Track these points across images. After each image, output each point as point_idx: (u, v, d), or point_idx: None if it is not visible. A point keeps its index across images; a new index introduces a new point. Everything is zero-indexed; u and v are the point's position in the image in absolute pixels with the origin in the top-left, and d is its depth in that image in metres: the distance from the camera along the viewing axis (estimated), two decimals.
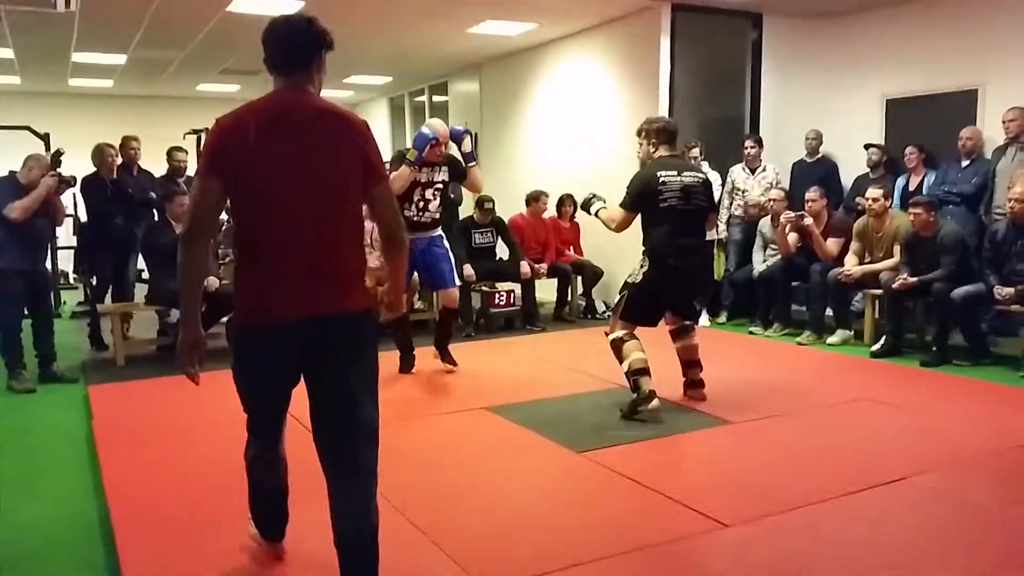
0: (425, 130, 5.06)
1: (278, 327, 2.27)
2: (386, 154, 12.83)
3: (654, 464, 3.67)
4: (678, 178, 4.33)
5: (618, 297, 4.60)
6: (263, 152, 2.24)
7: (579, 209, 5.04)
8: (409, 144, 5.42)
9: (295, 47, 2.41)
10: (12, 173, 5.48)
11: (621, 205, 4.44)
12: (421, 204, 5.18)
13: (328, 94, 10.13)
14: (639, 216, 4.42)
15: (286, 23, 2.42)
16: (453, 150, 5.38)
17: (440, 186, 5.21)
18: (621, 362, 4.42)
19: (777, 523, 3.01)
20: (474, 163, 5.31)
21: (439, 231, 5.38)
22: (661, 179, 4.31)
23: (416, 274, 5.51)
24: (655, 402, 4.26)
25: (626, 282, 4.51)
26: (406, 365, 5.59)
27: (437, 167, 5.18)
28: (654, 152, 4.47)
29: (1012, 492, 3.33)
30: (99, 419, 4.54)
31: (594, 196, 4.77)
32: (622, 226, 4.48)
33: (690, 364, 4.68)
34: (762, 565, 2.70)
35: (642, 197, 4.34)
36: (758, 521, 3.02)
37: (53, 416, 4.84)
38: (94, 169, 6.78)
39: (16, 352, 5.47)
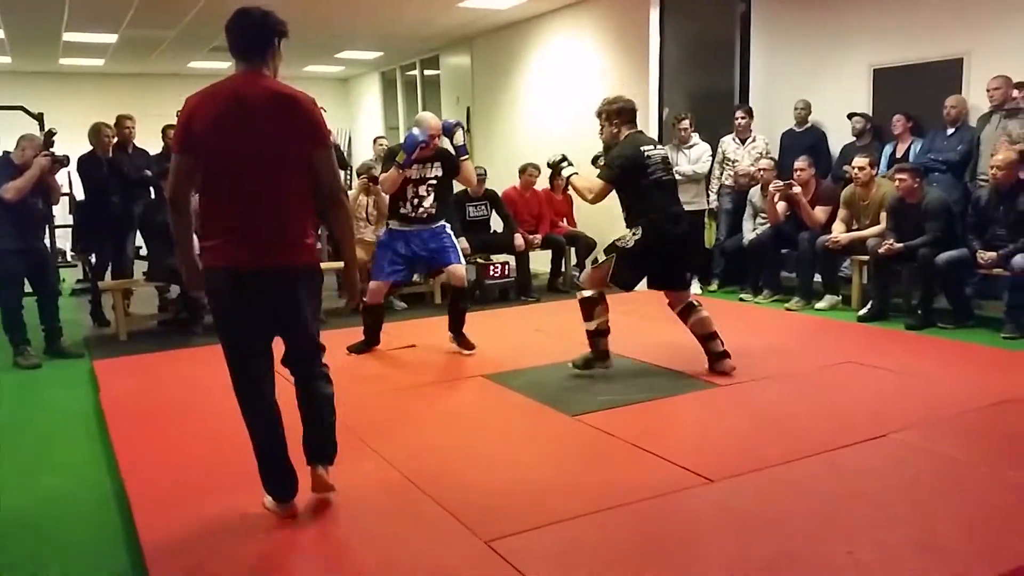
0: (415, 131, 4.97)
1: (240, 276, 2.73)
2: (377, 128, 12.91)
3: (643, 426, 3.81)
4: (656, 151, 4.53)
5: (602, 258, 4.62)
6: (224, 130, 2.68)
7: (547, 167, 5.06)
8: (402, 129, 5.42)
9: (252, 37, 2.78)
10: (6, 154, 5.55)
11: (601, 177, 4.51)
12: (415, 201, 5.15)
13: (319, 70, 10.33)
14: (617, 191, 4.52)
15: (245, 15, 2.77)
16: (446, 143, 5.32)
17: (433, 182, 5.15)
18: (588, 320, 4.59)
19: (761, 477, 3.15)
20: (466, 156, 5.26)
21: (442, 225, 5.29)
22: (646, 154, 4.44)
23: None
24: (608, 362, 4.62)
25: (615, 244, 4.55)
26: (359, 347, 5.36)
27: (429, 163, 5.12)
28: (617, 132, 4.54)
29: (987, 447, 3.48)
30: (106, 392, 4.66)
31: (564, 159, 4.81)
32: (599, 197, 4.54)
33: (708, 337, 4.60)
34: (745, 517, 2.84)
35: (628, 171, 4.42)
36: (742, 476, 3.16)
37: (60, 391, 4.97)
38: (90, 148, 6.85)
39: (19, 329, 5.57)
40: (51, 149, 5.69)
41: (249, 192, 2.72)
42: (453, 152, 5.23)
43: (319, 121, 2.78)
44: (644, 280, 4.84)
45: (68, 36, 9.42)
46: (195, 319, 6.34)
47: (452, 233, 5.34)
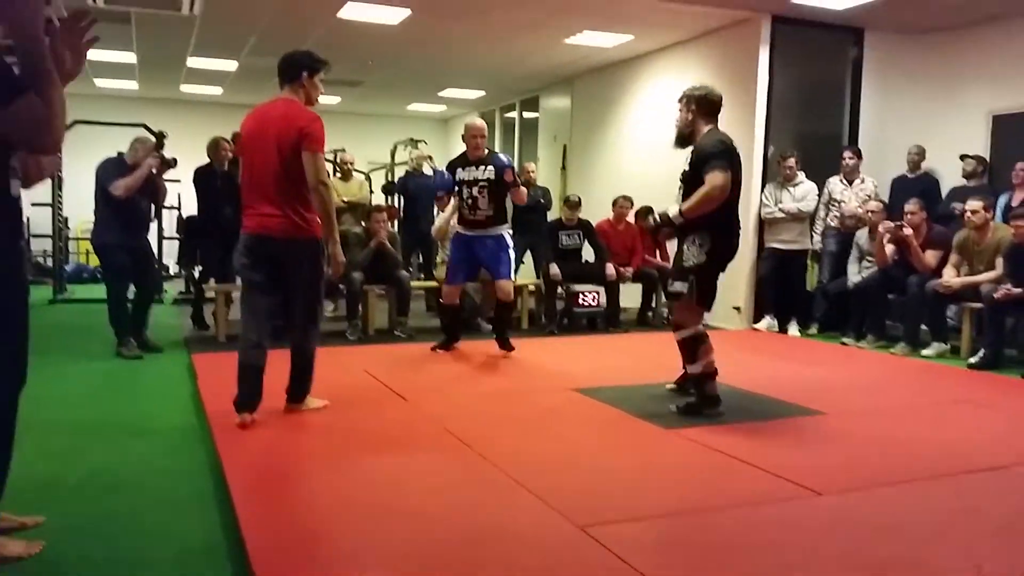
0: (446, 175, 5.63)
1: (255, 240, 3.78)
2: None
3: (744, 442, 3.64)
4: (733, 147, 4.05)
5: (681, 286, 4.08)
6: (249, 137, 3.81)
7: (650, 231, 4.82)
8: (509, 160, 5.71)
9: (283, 69, 3.80)
10: (120, 154, 5.87)
11: (720, 168, 3.89)
12: (470, 202, 5.41)
13: (421, 108, 10.72)
14: (685, 186, 4.09)
15: (287, 54, 3.83)
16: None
17: (484, 183, 5.37)
18: (691, 361, 4.12)
19: (873, 494, 2.97)
20: (518, 185, 5.53)
21: (500, 231, 5.53)
22: (731, 150, 4.00)
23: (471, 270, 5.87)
24: (719, 409, 4.04)
25: (687, 268, 4.05)
26: (442, 345, 5.89)
27: (480, 165, 5.38)
28: (692, 120, 4.11)
29: None
30: (203, 380, 4.77)
31: (655, 213, 4.28)
32: (725, 189, 3.90)
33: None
34: (856, 525, 2.66)
35: (731, 159, 3.96)
36: (853, 492, 2.98)
37: (161, 378, 5.12)
38: (207, 162, 7.16)
39: (124, 321, 5.80)
40: (162, 151, 5.96)
41: (254, 173, 3.75)
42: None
43: (312, 132, 3.64)
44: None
45: (192, 62, 9.97)
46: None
47: (511, 245, 5.59)
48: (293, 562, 2.33)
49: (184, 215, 9.92)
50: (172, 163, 6.07)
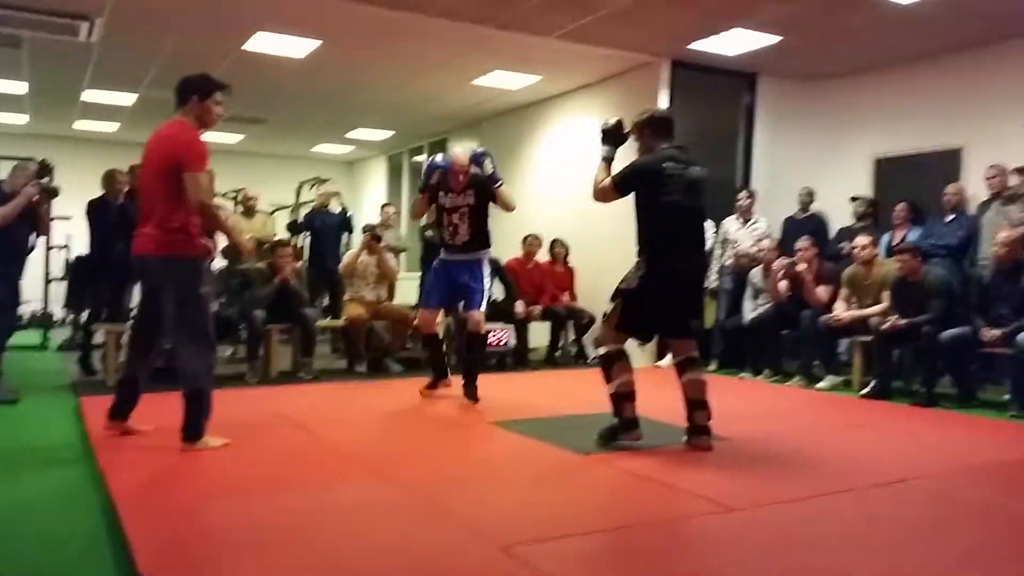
0: (437, 158, 5.39)
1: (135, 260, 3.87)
2: (368, 217, 12.83)
3: (658, 464, 3.69)
4: (683, 171, 3.88)
5: (610, 306, 4.06)
6: (142, 160, 3.87)
7: (601, 129, 4.25)
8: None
9: (177, 92, 3.80)
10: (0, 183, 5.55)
11: (613, 178, 3.97)
12: (451, 229, 5.37)
13: (327, 150, 10.64)
14: (638, 214, 3.97)
15: (183, 77, 3.83)
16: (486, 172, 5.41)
17: (465, 210, 5.32)
18: (608, 380, 3.99)
19: (782, 508, 3.05)
20: (500, 182, 5.32)
21: (479, 256, 5.41)
22: (667, 170, 3.85)
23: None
24: (637, 432, 3.93)
25: (618, 288, 4.02)
26: (431, 386, 5.65)
27: (462, 192, 5.31)
28: (650, 146, 4.01)
29: (1008, 491, 3.38)
30: (91, 421, 4.48)
31: (611, 135, 4.13)
32: (602, 196, 4.03)
33: (696, 405, 3.99)
34: (768, 538, 2.73)
35: (636, 182, 3.91)
36: (764, 507, 3.05)
37: (44, 423, 4.79)
38: (102, 193, 6.87)
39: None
40: (44, 180, 5.66)
41: (144, 197, 3.81)
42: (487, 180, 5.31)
43: (189, 154, 3.64)
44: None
45: (88, 95, 9.60)
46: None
47: (487, 275, 5.47)
48: None
49: (73, 256, 9.47)
50: (54, 192, 5.77)
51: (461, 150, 5.40)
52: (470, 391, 5.32)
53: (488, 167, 5.28)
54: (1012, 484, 3.54)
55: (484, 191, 5.32)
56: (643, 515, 2.92)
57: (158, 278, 3.78)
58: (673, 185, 3.85)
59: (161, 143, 3.74)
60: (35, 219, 5.57)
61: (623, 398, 3.95)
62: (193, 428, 3.82)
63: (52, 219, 5.87)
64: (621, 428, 3.95)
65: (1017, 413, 5.31)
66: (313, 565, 2.40)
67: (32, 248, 5.78)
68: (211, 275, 4.01)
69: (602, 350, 4.10)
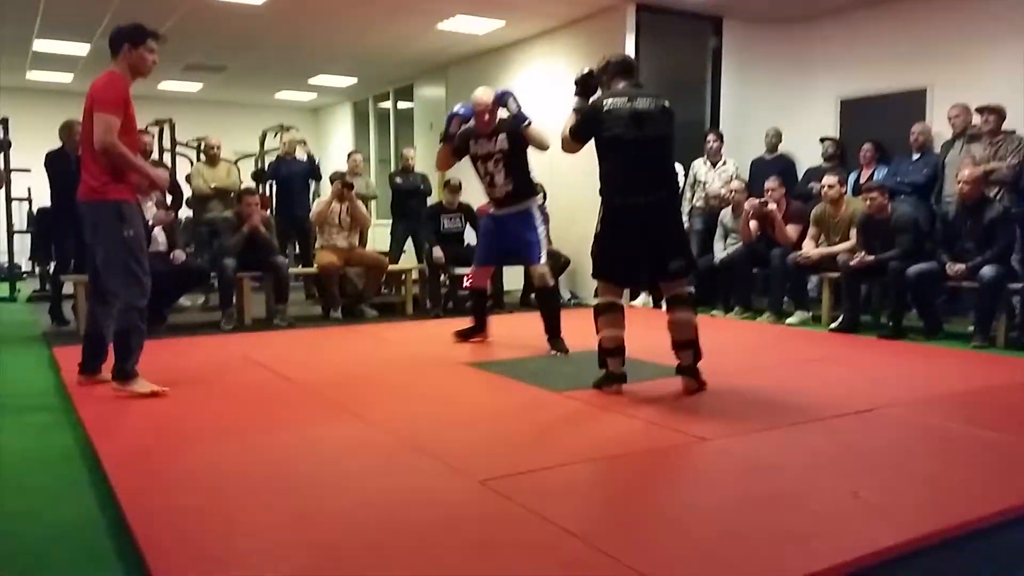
0: (456, 107, 5.10)
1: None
2: (335, 165, 12.65)
3: (632, 400, 3.76)
4: (627, 104, 3.73)
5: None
6: None
7: (574, 81, 4.07)
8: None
9: (110, 42, 3.82)
10: None
11: (570, 130, 3.94)
12: (488, 179, 5.05)
13: (291, 97, 10.49)
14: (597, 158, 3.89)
15: (114, 28, 3.87)
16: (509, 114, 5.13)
17: (499, 156, 4.96)
18: (597, 331, 3.95)
19: (755, 437, 3.13)
20: (527, 122, 4.99)
21: (526, 205, 5.08)
22: (605, 107, 3.77)
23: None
24: (615, 387, 3.85)
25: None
26: (468, 333, 5.50)
27: (492, 137, 4.97)
28: (607, 86, 3.95)
29: (968, 416, 3.50)
30: (66, 369, 4.46)
31: (580, 90, 4.02)
32: (567, 147, 3.98)
33: (681, 345, 3.87)
34: (742, 466, 2.80)
35: (585, 124, 3.86)
36: (736, 436, 3.13)
37: (19, 369, 4.75)
38: (60, 144, 6.71)
39: None
40: None
41: (82, 146, 3.89)
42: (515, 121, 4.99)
43: (99, 94, 3.67)
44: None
45: (39, 45, 9.28)
46: (154, 319, 6.20)
47: (540, 224, 5.13)
48: (181, 534, 2.21)
49: (36, 208, 9.28)
50: (5, 145, 5.64)
51: (482, 91, 5.03)
52: (558, 344, 5.01)
53: (513, 106, 4.97)
54: (971, 411, 3.65)
55: (517, 134, 4.97)
56: (617, 448, 2.99)
57: (87, 223, 3.84)
58: (612, 120, 3.73)
59: (89, 91, 3.76)
60: None
61: (606, 352, 3.89)
62: (118, 367, 3.85)
63: (11, 171, 5.73)
64: (603, 380, 3.90)
65: (980, 344, 5.46)
66: (291, 504, 2.43)
67: None
68: (140, 217, 3.89)
69: (594, 300, 4.07)
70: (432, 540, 2.15)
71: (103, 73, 3.81)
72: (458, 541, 2.15)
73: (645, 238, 3.79)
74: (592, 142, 3.90)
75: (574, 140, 3.93)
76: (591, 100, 3.93)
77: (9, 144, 5.64)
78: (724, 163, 7.70)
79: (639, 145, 3.71)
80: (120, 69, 3.79)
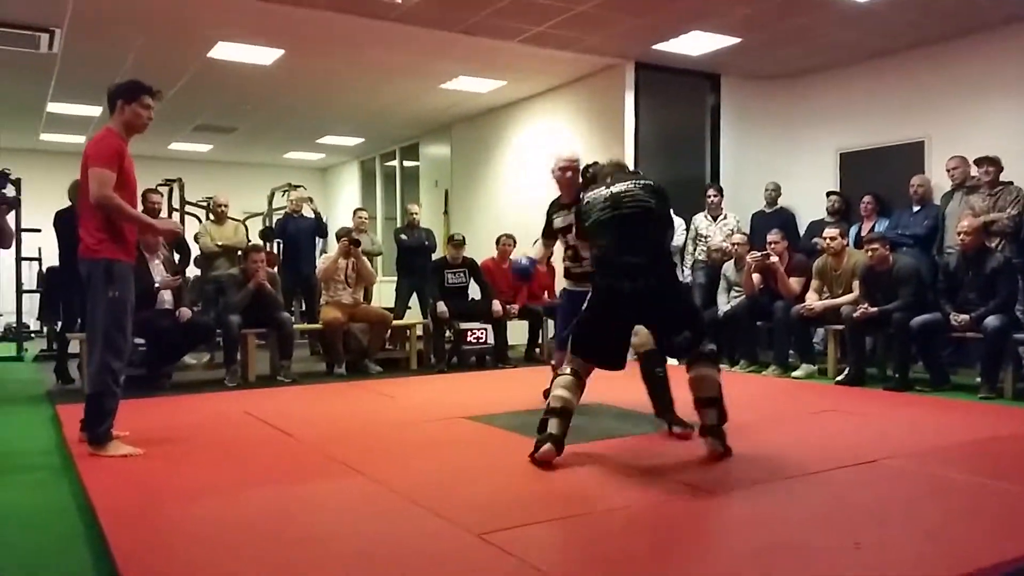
0: (523, 260, 4.90)
1: None
2: (342, 222, 12.66)
3: (632, 453, 3.74)
4: (604, 191, 3.67)
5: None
6: None
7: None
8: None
9: (107, 99, 3.88)
10: None
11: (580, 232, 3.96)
12: (571, 253, 4.63)
13: (300, 157, 10.63)
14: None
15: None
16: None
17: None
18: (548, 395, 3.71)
19: (755, 491, 3.10)
20: None
21: None
22: (585, 201, 3.77)
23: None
24: (546, 447, 3.43)
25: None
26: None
27: (570, 208, 4.46)
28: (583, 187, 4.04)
29: (972, 467, 3.46)
30: (70, 431, 4.45)
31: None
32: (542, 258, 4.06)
33: (704, 403, 3.60)
34: (740, 520, 2.78)
35: (581, 225, 3.89)
36: (736, 491, 3.10)
37: (20, 431, 4.76)
38: (68, 204, 6.82)
39: None
40: (3, 190, 5.60)
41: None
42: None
43: (93, 151, 3.70)
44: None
45: (53, 107, 9.51)
46: (159, 374, 6.24)
47: None
48: None
49: (45, 267, 9.39)
50: (12, 203, 5.70)
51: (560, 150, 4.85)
52: (676, 419, 4.18)
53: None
54: (976, 461, 3.61)
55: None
56: (616, 501, 2.96)
57: (86, 280, 3.80)
58: (590, 208, 3.68)
59: (84, 151, 3.79)
60: None
61: (551, 412, 3.53)
62: (90, 431, 3.79)
63: (22, 231, 5.79)
64: (538, 440, 3.50)
65: (987, 395, 5.42)
66: (289, 557, 2.41)
67: None
68: (131, 280, 3.87)
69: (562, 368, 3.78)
70: None
71: (98, 132, 3.85)
72: None
73: (637, 319, 3.66)
74: None
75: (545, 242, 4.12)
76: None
77: (18, 202, 5.71)
78: (725, 217, 7.77)
79: (620, 223, 3.57)
80: (115, 126, 3.82)
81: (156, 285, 6.18)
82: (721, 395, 3.62)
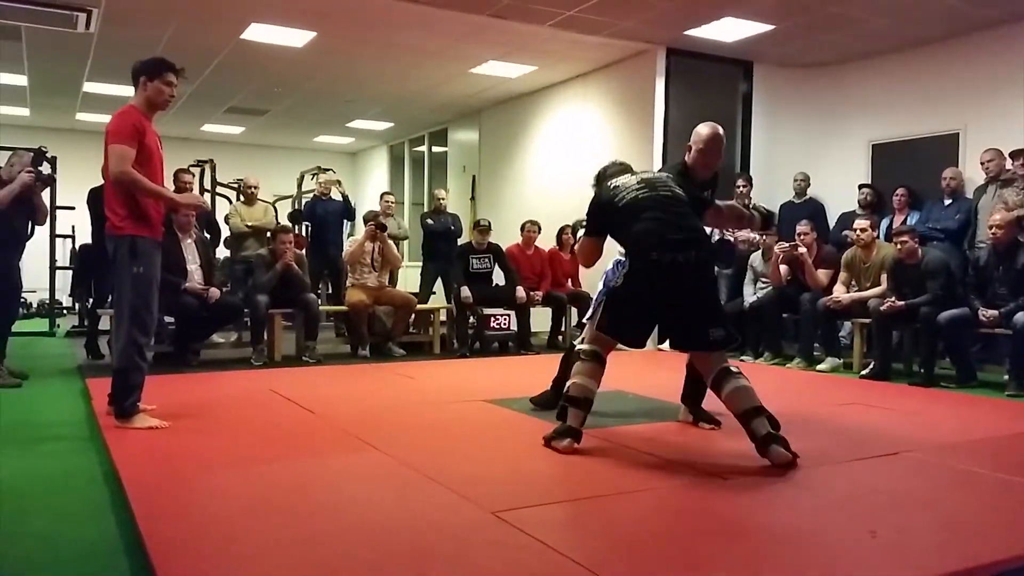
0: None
1: None
2: (370, 206, 12.73)
3: (654, 439, 3.73)
4: (632, 177, 3.66)
5: (596, 306, 3.83)
6: None
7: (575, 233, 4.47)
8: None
9: (132, 76, 3.91)
10: None
11: (585, 233, 3.87)
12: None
13: (329, 140, 10.74)
14: (616, 236, 3.67)
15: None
16: None
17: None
18: (568, 378, 3.62)
19: (776, 479, 3.08)
20: None
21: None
22: (612, 185, 3.66)
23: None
24: (566, 443, 3.41)
25: (607, 288, 3.80)
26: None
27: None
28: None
29: (996, 462, 3.41)
30: (99, 404, 4.55)
31: (581, 222, 4.06)
32: (586, 256, 3.87)
33: (749, 414, 3.29)
34: (757, 505, 2.78)
35: (600, 214, 3.69)
36: (756, 477, 3.09)
37: (50, 403, 4.86)
38: (102, 181, 6.92)
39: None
40: (40, 168, 5.68)
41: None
42: None
43: (110, 127, 3.73)
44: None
45: (89, 87, 9.66)
46: (186, 350, 6.34)
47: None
48: (195, 558, 2.24)
49: (78, 245, 9.55)
50: (48, 180, 5.78)
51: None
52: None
53: None
54: (999, 456, 3.57)
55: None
56: (632, 485, 2.96)
57: (111, 257, 3.85)
58: (623, 191, 3.58)
59: (105, 129, 3.80)
60: (32, 208, 5.59)
61: (571, 401, 3.48)
62: (116, 405, 3.86)
63: (56, 208, 5.89)
64: (557, 433, 3.48)
65: (1014, 392, 5.34)
66: (306, 526, 2.45)
67: (30, 236, 5.79)
68: (156, 256, 3.89)
69: (580, 346, 3.72)
70: (438, 566, 2.16)
71: (123, 107, 3.84)
72: (465, 569, 2.15)
73: (682, 297, 3.42)
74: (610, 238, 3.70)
75: (589, 237, 3.79)
76: (594, 197, 3.79)
77: (54, 180, 5.80)
78: (754, 206, 7.68)
79: (660, 203, 3.48)
80: (137, 103, 3.83)
81: (187, 260, 6.27)
82: (761, 402, 3.35)
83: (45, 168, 5.71)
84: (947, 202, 6.80)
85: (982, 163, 6.54)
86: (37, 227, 5.92)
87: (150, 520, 2.50)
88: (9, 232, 5.40)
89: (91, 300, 7.39)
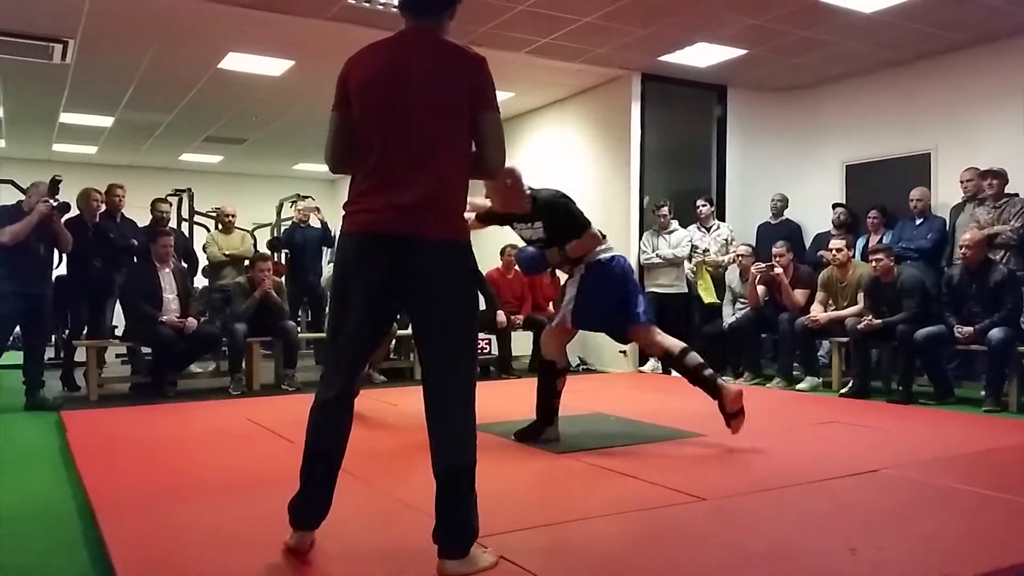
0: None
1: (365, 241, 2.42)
2: None
3: (631, 460, 3.72)
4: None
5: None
6: (378, 85, 2.44)
7: None
8: None
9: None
10: (19, 202, 5.82)
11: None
12: None
13: (308, 167, 12.72)
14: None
15: None
16: None
17: None
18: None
19: (755, 498, 3.10)
20: None
21: None
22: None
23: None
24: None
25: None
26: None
27: None
28: None
29: (973, 477, 3.43)
30: (73, 436, 4.49)
31: None
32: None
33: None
34: (737, 525, 2.77)
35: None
36: (735, 497, 3.10)
37: (27, 434, 4.79)
38: (77, 212, 6.88)
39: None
40: (55, 196, 5.77)
41: (397, 152, 2.34)
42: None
43: (486, 82, 2.34)
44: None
45: (65, 117, 9.62)
46: (164, 381, 6.27)
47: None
48: None
49: (54, 276, 9.45)
50: (64, 208, 5.87)
51: None
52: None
53: None
54: (976, 471, 3.59)
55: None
56: (614, 506, 2.95)
57: (419, 270, 2.47)
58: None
59: (442, 60, 2.39)
60: (53, 236, 5.70)
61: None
62: None
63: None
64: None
65: (991, 407, 5.39)
66: (283, 557, 2.42)
67: (58, 264, 6.08)
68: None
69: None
70: None
71: (435, 34, 2.48)
72: None
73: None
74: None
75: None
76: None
77: (68, 207, 5.95)
78: (717, 228, 7.80)
79: None
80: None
81: (164, 290, 6.28)
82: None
83: (61, 196, 5.85)
84: (917, 222, 6.88)
85: (961, 182, 6.62)
86: (64, 254, 6.06)
87: (123, 550, 2.46)
88: (33, 262, 5.60)
89: (67, 331, 7.33)
